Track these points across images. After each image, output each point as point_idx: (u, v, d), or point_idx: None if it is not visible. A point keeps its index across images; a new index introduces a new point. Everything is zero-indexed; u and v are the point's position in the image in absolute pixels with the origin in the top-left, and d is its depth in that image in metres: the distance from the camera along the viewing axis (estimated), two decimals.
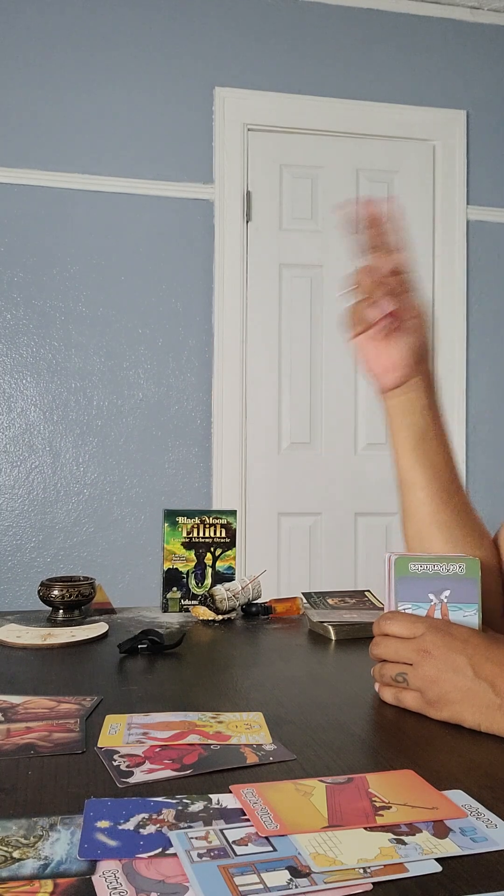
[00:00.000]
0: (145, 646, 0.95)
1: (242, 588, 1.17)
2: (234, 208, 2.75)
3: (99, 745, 0.64)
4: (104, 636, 1.05)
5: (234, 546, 1.26)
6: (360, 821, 0.50)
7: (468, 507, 0.94)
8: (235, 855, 0.46)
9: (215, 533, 1.25)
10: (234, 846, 0.47)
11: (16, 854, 0.46)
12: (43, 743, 0.64)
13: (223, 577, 1.24)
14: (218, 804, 0.53)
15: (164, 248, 2.71)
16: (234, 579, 1.23)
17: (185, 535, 1.25)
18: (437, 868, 0.45)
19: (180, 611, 1.23)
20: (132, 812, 0.51)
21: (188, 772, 0.58)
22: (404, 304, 0.86)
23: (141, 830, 0.49)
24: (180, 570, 1.24)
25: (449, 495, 0.91)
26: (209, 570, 1.25)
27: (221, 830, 0.49)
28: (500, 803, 0.53)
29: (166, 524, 1.25)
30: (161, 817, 0.51)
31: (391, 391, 0.91)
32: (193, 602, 1.22)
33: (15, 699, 0.76)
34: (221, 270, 2.73)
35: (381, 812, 0.51)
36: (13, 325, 2.62)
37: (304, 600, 1.21)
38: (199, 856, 0.46)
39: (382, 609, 1.11)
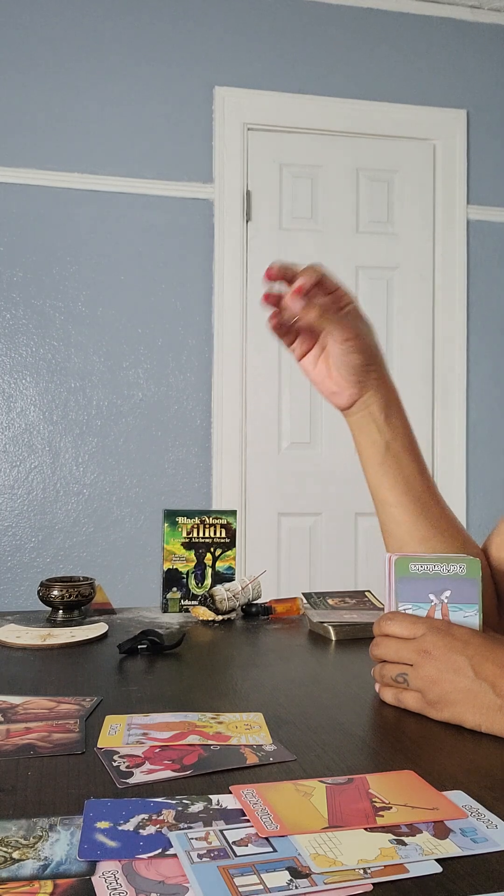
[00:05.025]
0: (145, 646, 0.95)
1: (242, 588, 1.17)
2: (234, 208, 2.75)
3: (99, 746, 0.64)
4: (104, 636, 1.04)
5: (234, 546, 1.26)
6: (360, 821, 0.50)
7: (446, 516, 0.91)
8: (235, 856, 0.46)
9: (215, 533, 1.25)
10: (234, 847, 0.47)
11: (15, 855, 0.46)
12: (42, 743, 0.64)
13: (223, 578, 1.24)
14: (218, 805, 0.53)
15: (164, 247, 2.71)
16: (234, 579, 1.23)
17: (184, 535, 1.25)
18: (438, 869, 0.45)
19: (180, 611, 1.23)
20: (132, 813, 0.51)
21: (188, 772, 0.58)
22: (336, 322, 0.81)
23: (141, 831, 0.49)
24: (180, 570, 1.24)
25: (424, 508, 0.89)
26: (209, 571, 1.25)
27: (221, 831, 0.49)
28: (500, 804, 0.53)
29: (166, 524, 1.25)
30: (161, 818, 0.51)
31: (347, 410, 0.89)
32: (193, 602, 1.22)
33: (14, 699, 0.76)
34: (221, 270, 2.73)
35: (381, 813, 0.51)
36: (13, 324, 2.62)
37: (304, 600, 1.21)
38: (199, 856, 0.46)
39: (382, 609, 1.11)
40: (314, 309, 0.80)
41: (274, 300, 0.80)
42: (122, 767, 0.59)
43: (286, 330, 0.85)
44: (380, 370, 0.88)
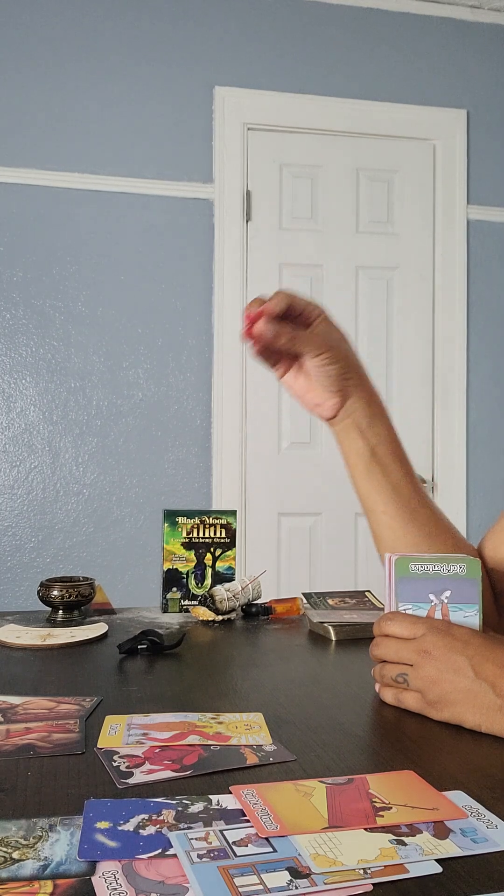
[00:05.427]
0: (145, 646, 0.95)
1: (242, 588, 1.17)
2: (234, 208, 2.75)
3: (98, 746, 0.64)
4: (104, 637, 1.05)
5: (234, 546, 1.26)
6: (360, 821, 0.50)
7: (436, 520, 0.92)
8: (235, 856, 0.46)
9: (215, 533, 1.25)
10: (234, 847, 0.47)
11: (15, 855, 0.46)
12: (42, 743, 0.64)
13: (223, 578, 1.24)
14: (218, 805, 0.53)
15: (164, 247, 2.71)
16: (234, 580, 1.23)
17: (184, 535, 1.25)
18: (438, 869, 0.45)
19: (180, 611, 1.23)
20: (132, 813, 0.51)
21: (188, 772, 0.58)
22: (308, 338, 0.84)
23: (141, 831, 0.49)
24: (180, 570, 1.24)
25: (412, 512, 0.90)
26: (209, 571, 1.25)
27: (221, 831, 0.49)
28: (500, 804, 0.53)
29: (166, 524, 1.25)
30: (161, 818, 0.51)
31: (332, 420, 0.90)
32: (193, 602, 1.22)
33: (14, 700, 0.76)
34: (221, 270, 2.73)
35: (381, 813, 0.51)
36: (13, 324, 2.62)
37: (304, 601, 1.21)
38: (199, 857, 0.46)
39: (382, 609, 1.11)
40: (286, 332, 0.83)
41: (251, 333, 0.84)
42: (122, 767, 0.59)
43: (267, 354, 0.87)
44: (358, 377, 0.88)
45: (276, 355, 0.88)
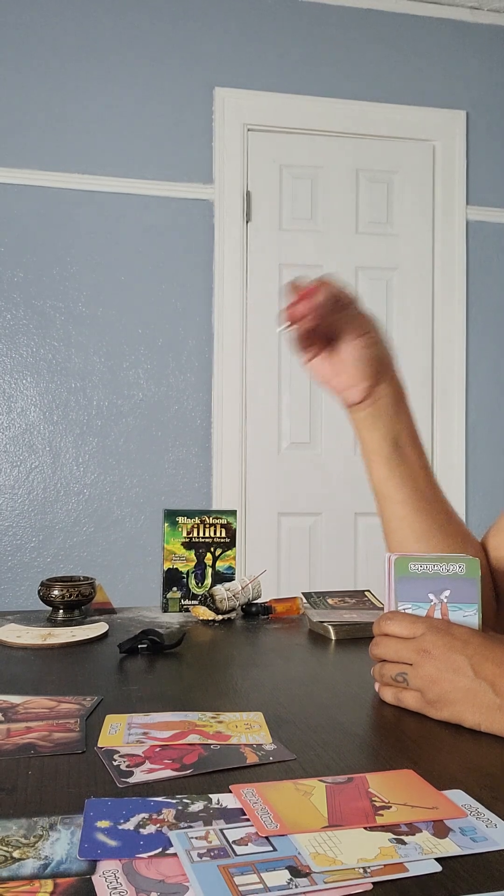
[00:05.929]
0: (145, 646, 0.95)
1: (242, 588, 1.17)
2: (234, 208, 2.75)
3: (99, 745, 0.64)
4: (104, 636, 1.05)
5: (234, 546, 1.26)
6: (360, 820, 0.50)
7: (448, 513, 0.92)
8: (235, 855, 0.46)
9: (215, 533, 1.25)
10: (234, 846, 0.47)
11: (16, 854, 0.46)
12: (43, 743, 0.64)
13: (223, 577, 1.24)
14: (218, 804, 0.53)
15: (164, 248, 2.71)
16: (234, 579, 1.23)
17: (185, 535, 1.25)
18: (437, 868, 0.45)
19: (180, 611, 1.23)
20: (132, 812, 0.51)
21: (188, 772, 0.58)
22: (347, 320, 0.84)
23: (141, 830, 0.49)
24: (180, 570, 1.24)
25: (427, 503, 0.90)
26: (209, 570, 1.25)
27: (221, 830, 0.49)
28: (499, 803, 0.53)
29: (166, 524, 1.25)
30: (161, 817, 0.51)
31: (357, 405, 0.89)
32: (193, 602, 1.22)
33: (15, 699, 0.76)
34: (221, 270, 2.74)
35: (380, 812, 0.51)
36: (13, 325, 2.62)
37: (304, 600, 1.21)
38: (199, 856, 0.46)
39: (382, 609, 1.11)
40: (330, 314, 0.82)
41: (295, 316, 0.82)
42: (123, 767, 0.59)
43: (303, 338, 0.86)
44: (391, 364, 0.89)
45: (310, 339, 0.87)
